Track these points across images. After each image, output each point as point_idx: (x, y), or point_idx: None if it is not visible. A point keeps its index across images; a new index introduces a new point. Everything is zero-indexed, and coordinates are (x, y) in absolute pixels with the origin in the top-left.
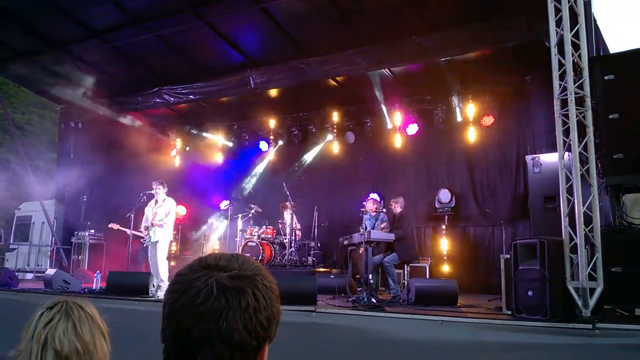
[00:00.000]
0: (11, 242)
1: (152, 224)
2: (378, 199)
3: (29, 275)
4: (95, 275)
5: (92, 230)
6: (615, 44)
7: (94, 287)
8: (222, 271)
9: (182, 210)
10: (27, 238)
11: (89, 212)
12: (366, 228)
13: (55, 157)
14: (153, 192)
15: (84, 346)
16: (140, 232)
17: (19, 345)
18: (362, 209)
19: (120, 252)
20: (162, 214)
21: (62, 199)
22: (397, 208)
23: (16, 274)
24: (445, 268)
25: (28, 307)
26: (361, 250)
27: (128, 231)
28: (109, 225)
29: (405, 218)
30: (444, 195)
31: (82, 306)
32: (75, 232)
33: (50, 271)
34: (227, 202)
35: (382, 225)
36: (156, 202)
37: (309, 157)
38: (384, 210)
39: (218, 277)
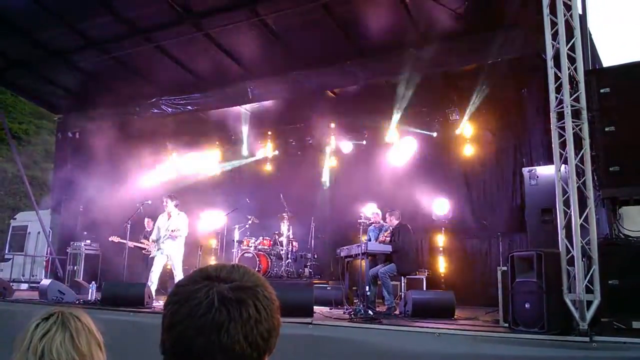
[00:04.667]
0: (6, 252)
1: (167, 236)
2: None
3: (24, 286)
4: (91, 285)
5: (88, 241)
6: (608, 58)
7: (89, 298)
8: (223, 282)
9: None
10: (22, 248)
11: (85, 223)
12: (370, 240)
13: (52, 167)
14: (163, 205)
15: (81, 358)
16: (142, 243)
17: (13, 357)
18: (362, 220)
19: (116, 263)
20: (175, 227)
21: (59, 209)
22: (393, 220)
23: (11, 284)
24: (443, 280)
25: (23, 317)
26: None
27: (129, 243)
28: (110, 239)
29: (403, 230)
30: (441, 207)
31: (78, 317)
32: (71, 243)
33: (45, 281)
34: (224, 213)
35: (386, 234)
36: (169, 215)
37: (305, 168)
38: (381, 221)
39: (219, 289)
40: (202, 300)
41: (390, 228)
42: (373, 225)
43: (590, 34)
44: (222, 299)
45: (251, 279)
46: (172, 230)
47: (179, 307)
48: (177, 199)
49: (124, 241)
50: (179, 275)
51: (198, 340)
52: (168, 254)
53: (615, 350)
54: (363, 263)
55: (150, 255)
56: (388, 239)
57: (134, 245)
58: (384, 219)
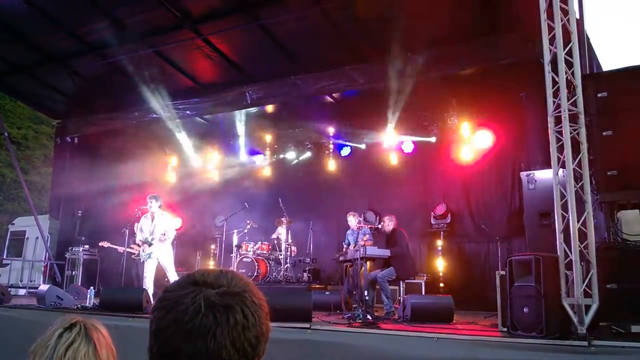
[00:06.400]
0: (4, 257)
1: (153, 239)
2: (373, 216)
3: (22, 291)
4: (89, 291)
5: (87, 246)
6: (609, 61)
7: (87, 303)
8: (210, 288)
9: (177, 224)
10: (20, 253)
11: (84, 228)
12: (349, 244)
13: (51, 172)
14: (148, 206)
15: None
16: (131, 248)
17: None
18: (361, 225)
19: (114, 268)
20: (162, 229)
21: (57, 214)
22: (390, 225)
23: (9, 289)
24: (441, 284)
25: (20, 323)
26: (350, 266)
27: (119, 248)
28: (100, 244)
29: (399, 234)
30: (440, 211)
31: (99, 329)
32: (70, 248)
33: (44, 287)
34: (222, 217)
35: (365, 238)
36: (152, 216)
37: (304, 172)
38: (379, 226)
39: (206, 294)
40: (188, 305)
41: (369, 232)
42: (351, 229)
43: (589, 38)
44: (209, 304)
45: (239, 285)
46: (162, 234)
47: (166, 312)
48: (160, 199)
49: (114, 246)
50: (172, 277)
51: (185, 346)
52: (158, 257)
53: (614, 354)
54: (362, 268)
55: (141, 260)
56: (370, 242)
57: (123, 250)
58: (381, 223)
